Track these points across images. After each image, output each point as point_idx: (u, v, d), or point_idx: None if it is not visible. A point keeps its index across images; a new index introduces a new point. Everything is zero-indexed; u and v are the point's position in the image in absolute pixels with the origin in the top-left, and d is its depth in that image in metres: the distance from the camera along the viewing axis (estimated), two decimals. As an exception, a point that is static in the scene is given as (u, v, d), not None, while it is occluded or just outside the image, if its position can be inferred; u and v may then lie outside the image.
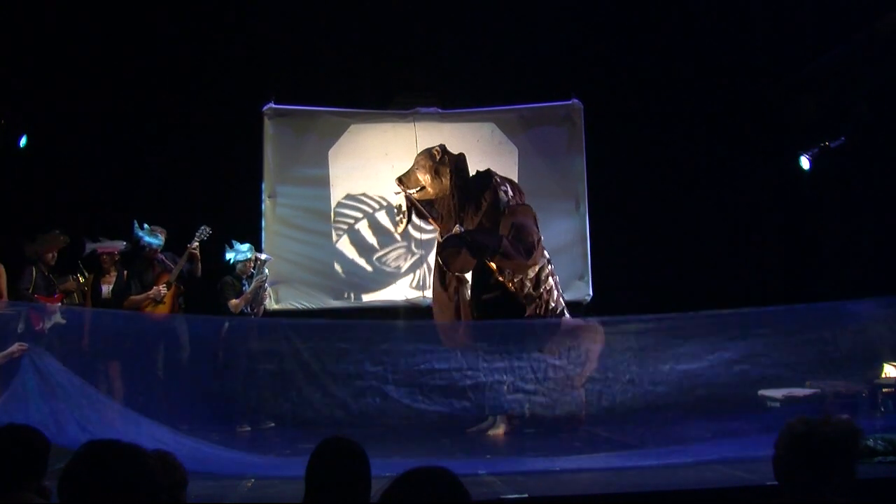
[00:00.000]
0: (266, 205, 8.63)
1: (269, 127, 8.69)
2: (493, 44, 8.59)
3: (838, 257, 8.21)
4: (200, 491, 3.99)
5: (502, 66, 8.70)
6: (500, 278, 6.43)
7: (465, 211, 6.61)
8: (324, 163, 8.81)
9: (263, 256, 7.58)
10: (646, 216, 8.69)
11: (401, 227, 7.28)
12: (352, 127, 8.87)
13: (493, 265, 6.39)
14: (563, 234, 8.69)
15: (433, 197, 6.85)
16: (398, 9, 8.46)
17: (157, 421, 5.03)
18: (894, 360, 6.39)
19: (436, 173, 6.71)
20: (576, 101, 8.94)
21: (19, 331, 6.06)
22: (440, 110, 8.87)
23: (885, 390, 6.24)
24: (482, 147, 8.85)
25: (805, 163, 8.01)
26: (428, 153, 6.80)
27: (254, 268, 7.40)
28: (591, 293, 8.69)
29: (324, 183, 8.79)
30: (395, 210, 7.17)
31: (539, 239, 6.38)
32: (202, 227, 7.11)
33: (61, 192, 7.87)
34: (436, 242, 7.13)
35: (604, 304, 8.49)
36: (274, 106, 8.68)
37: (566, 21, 8.66)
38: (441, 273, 6.67)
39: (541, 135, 9.01)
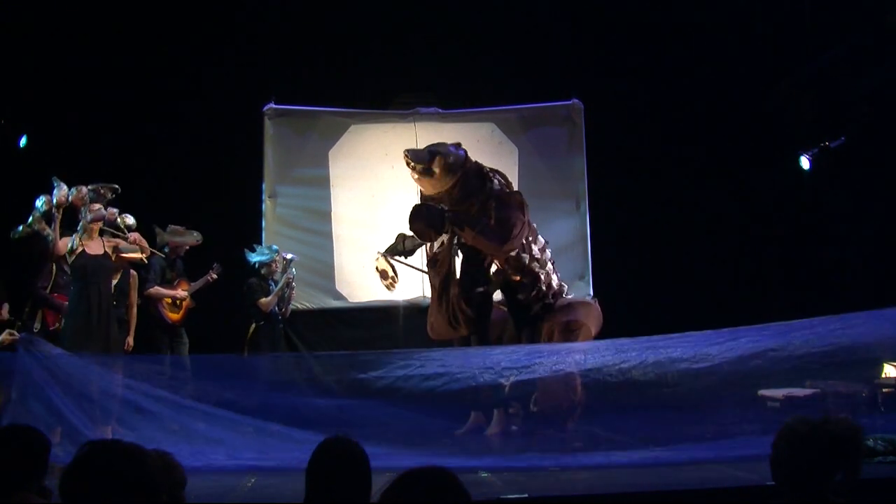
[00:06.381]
0: (266, 205, 8.63)
1: (269, 127, 8.70)
2: (493, 44, 8.60)
3: (838, 257, 8.21)
4: (200, 491, 3.98)
5: (502, 66, 8.71)
6: (496, 265, 6.45)
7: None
8: (324, 163, 8.82)
9: (289, 256, 7.61)
10: (646, 216, 8.69)
11: (395, 287, 7.09)
12: (352, 127, 8.87)
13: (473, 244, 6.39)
14: (563, 234, 8.69)
15: (430, 189, 6.55)
16: (398, 9, 8.46)
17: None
18: (894, 360, 6.40)
19: (448, 170, 6.34)
20: (576, 101, 8.95)
21: (35, 329, 6.05)
22: (440, 110, 8.87)
23: (885, 390, 6.24)
24: (482, 147, 8.83)
25: (805, 163, 8.02)
26: (452, 150, 6.42)
27: (280, 268, 7.46)
28: (591, 293, 8.68)
29: (324, 183, 8.79)
30: (381, 275, 6.96)
31: (522, 226, 6.28)
32: (216, 264, 7.40)
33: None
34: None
35: (604, 304, 8.49)
36: (274, 106, 8.69)
37: (566, 21, 8.67)
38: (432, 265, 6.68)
39: (541, 135, 9.02)
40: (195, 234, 7.29)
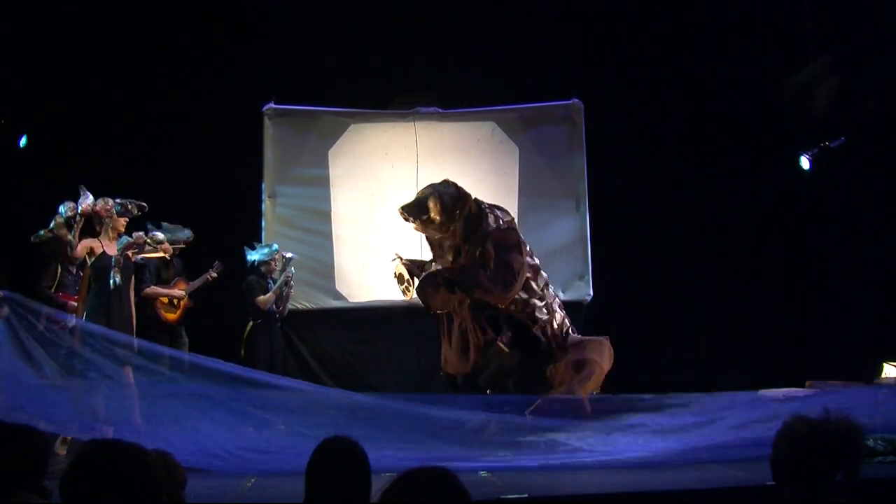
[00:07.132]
0: (266, 205, 8.63)
1: (269, 127, 8.69)
2: (494, 43, 8.59)
3: (838, 257, 8.21)
4: (200, 491, 3.98)
5: (502, 66, 8.70)
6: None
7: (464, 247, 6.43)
8: (324, 163, 8.81)
9: (289, 254, 7.63)
10: (646, 216, 8.69)
11: (410, 295, 6.74)
12: (352, 127, 8.86)
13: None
14: (563, 234, 8.70)
15: (434, 234, 6.52)
16: (398, 9, 8.46)
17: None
18: (894, 360, 6.41)
19: (449, 217, 6.29)
20: (576, 100, 8.94)
21: (40, 328, 6.04)
22: (440, 110, 8.87)
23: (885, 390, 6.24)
24: (482, 147, 8.85)
25: (805, 163, 8.02)
26: (451, 193, 6.33)
27: (279, 266, 7.48)
28: (591, 293, 8.69)
29: (324, 183, 8.78)
30: (397, 280, 6.76)
31: (522, 266, 6.18)
32: (216, 263, 7.39)
33: (61, 192, 7.84)
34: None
35: (604, 304, 8.50)
36: (274, 106, 8.68)
37: (566, 21, 8.67)
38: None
39: (541, 134, 9.01)
40: (186, 232, 7.23)
